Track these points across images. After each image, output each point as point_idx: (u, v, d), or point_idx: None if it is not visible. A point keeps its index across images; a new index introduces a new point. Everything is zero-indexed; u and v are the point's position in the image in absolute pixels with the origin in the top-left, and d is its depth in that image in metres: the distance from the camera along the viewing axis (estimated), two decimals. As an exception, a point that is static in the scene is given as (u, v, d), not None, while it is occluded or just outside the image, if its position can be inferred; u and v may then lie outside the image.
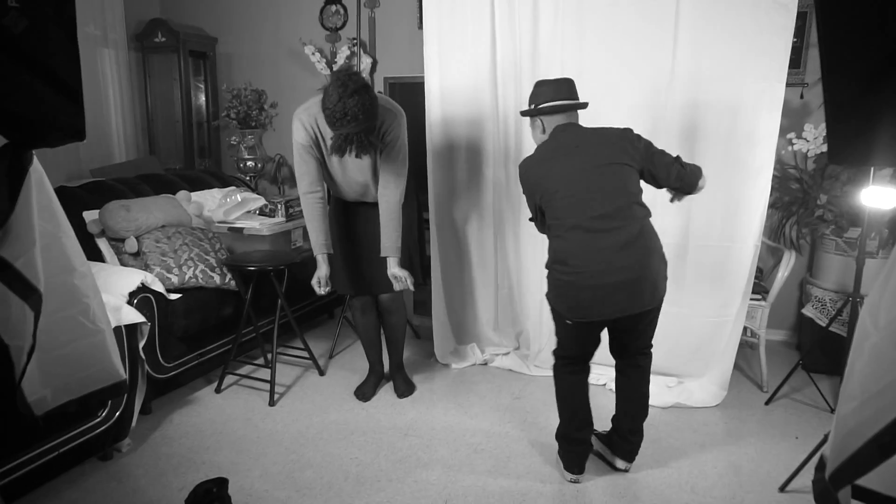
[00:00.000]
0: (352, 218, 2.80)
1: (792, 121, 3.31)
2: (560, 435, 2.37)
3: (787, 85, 2.66)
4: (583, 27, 2.82)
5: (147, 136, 4.76)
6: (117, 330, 2.32)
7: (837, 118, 1.11)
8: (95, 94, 4.39)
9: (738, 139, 2.73)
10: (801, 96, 3.36)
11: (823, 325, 3.07)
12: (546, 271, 2.21)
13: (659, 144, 2.81)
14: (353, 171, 2.62)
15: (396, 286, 2.66)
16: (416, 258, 2.92)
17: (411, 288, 2.67)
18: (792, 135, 3.12)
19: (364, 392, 2.95)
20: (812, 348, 3.05)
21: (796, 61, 3.25)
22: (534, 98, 2.25)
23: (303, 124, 2.54)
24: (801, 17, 3.19)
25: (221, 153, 4.88)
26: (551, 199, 2.13)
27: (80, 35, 4.48)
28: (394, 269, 2.63)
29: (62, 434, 2.16)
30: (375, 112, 2.34)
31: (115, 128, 4.52)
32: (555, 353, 2.34)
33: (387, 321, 2.93)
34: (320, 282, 2.66)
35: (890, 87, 0.99)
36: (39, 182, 1.54)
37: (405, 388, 2.99)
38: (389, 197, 2.60)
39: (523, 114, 2.32)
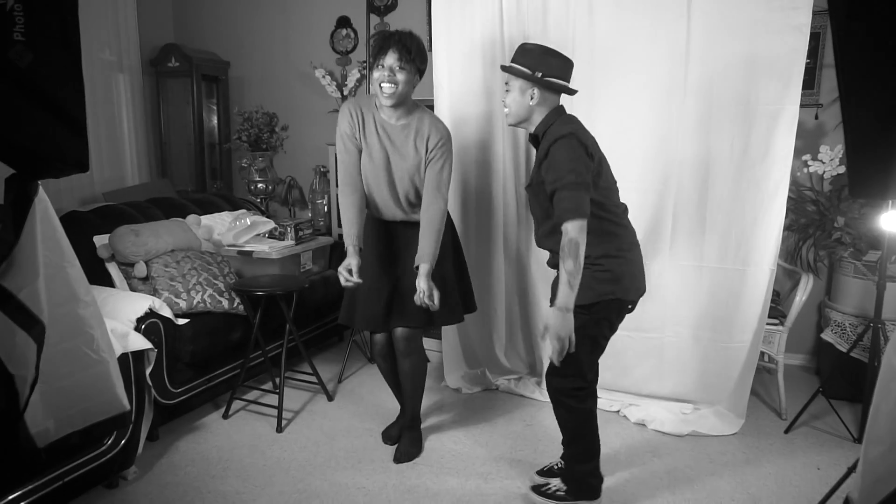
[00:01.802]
0: (383, 240, 2.57)
1: (807, 142, 3.26)
2: (588, 472, 2.21)
3: (802, 106, 2.61)
4: (592, 56, 2.79)
5: (160, 160, 4.81)
6: (124, 357, 2.31)
7: (858, 152, 1.07)
8: (110, 118, 4.44)
9: (752, 161, 2.69)
10: (816, 117, 3.31)
11: (844, 350, 2.99)
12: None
13: (671, 167, 2.80)
14: (387, 170, 2.45)
15: (417, 299, 2.34)
16: (452, 288, 2.58)
17: (434, 306, 2.34)
18: (807, 156, 3.07)
19: (391, 434, 2.75)
20: (832, 374, 2.97)
21: (810, 82, 3.21)
22: (540, 65, 2.01)
23: (349, 110, 2.44)
24: (815, 38, 3.15)
25: (233, 176, 4.91)
26: (600, 177, 2.01)
27: (95, 61, 4.56)
28: (421, 279, 2.33)
29: (67, 463, 2.13)
30: (424, 52, 2.37)
31: (129, 152, 4.57)
32: (576, 390, 2.11)
33: (400, 366, 2.58)
34: (351, 272, 2.33)
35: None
36: (45, 212, 1.53)
37: (406, 451, 2.62)
38: (433, 210, 2.41)
39: (514, 72, 2.02)
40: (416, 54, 2.32)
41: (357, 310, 2.57)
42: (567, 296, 1.85)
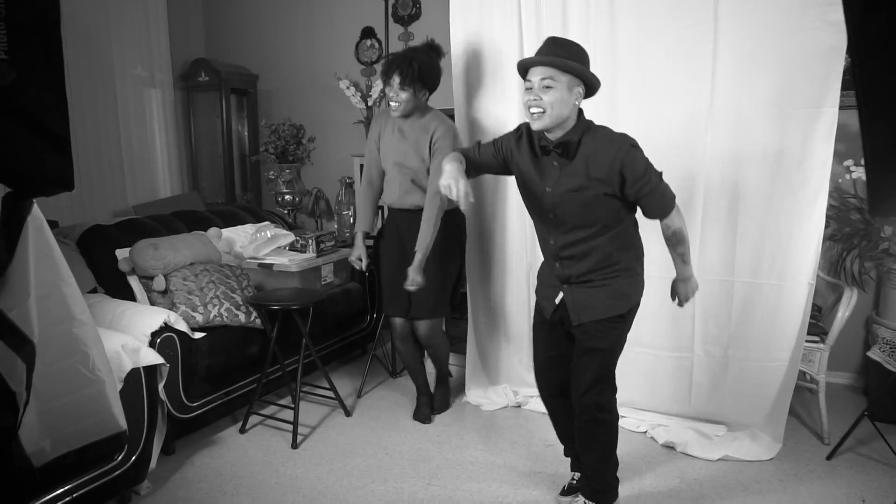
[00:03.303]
0: (404, 235, 2.89)
1: (850, 146, 3.06)
2: (614, 477, 2.19)
3: (842, 108, 2.44)
4: (615, 62, 2.68)
5: (191, 173, 4.89)
6: (135, 372, 2.31)
7: (878, 164, 0.95)
8: (142, 133, 4.54)
9: (788, 168, 2.52)
10: (858, 109, 3.10)
11: (893, 369, 2.77)
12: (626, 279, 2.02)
13: (698, 177, 2.65)
14: (397, 154, 2.83)
15: (406, 284, 2.69)
16: (448, 289, 2.96)
17: (411, 288, 2.69)
18: (849, 161, 2.87)
19: (423, 414, 3.05)
20: (880, 396, 2.76)
21: (851, 83, 3.01)
22: (586, 62, 1.89)
23: (377, 121, 2.91)
24: (857, 35, 2.95)
25: (261, 187, 4.95)
26: None
27: (128, 76, 4.69)
28: (413, 267, 2.68)
29: (77, 478, 2.13)
30: (427, 72, 2.70)
31: (161, 165, 4.67)
32: (612, 398, 2.10)
33: (428, 353, 3.10)
34: (360, 259, 2.96)
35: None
36: (39, 230, 1.52)
37: (441, 404, 3.13)
38: (433, 198, 2.73)
39: (567, 68, 1.82)
40: (415, 77, 2.66)
41: (384, 297, 2.98)
42: (686, 269, 2.07)
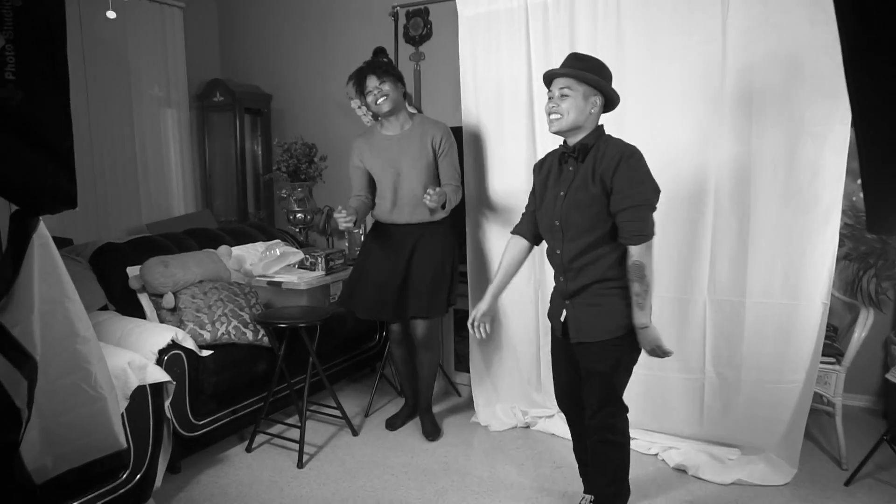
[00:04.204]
0: (399, 239, 2.90)
1: (865, 163, 3.01)
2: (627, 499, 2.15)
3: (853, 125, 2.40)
4: (623, 81, 2.68)
5: (205, 191, 4.95)
6: (141, 389, 2.32)
7: (874, 180, 0.93)
8: (157, 152, 4.62)
9: (799, 185, 2.48)
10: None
11: (912, 392, 2.70)
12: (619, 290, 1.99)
13: (708, 195, 2.62)
14: (396, 168, 2.85)
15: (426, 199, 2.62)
16: (445, 289, 2.93)
17: (429, 203, 2.62)
18: (864, 179, 2.82)
19: (393, 423, 3.13)
20: (900, 420, 2.68)
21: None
22: (605, 76, 2.02)
23: (356, 146, 2.95)
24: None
25: (274, 206, 4.99)
26: None
27: (145, 97, 4.79)
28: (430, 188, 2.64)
29: (78, 497, 2.13)
30: (397, 74, 2.83)
31: (176, 183, 4.73)
32: (623, 421, 2.07)
33: (420, 357, 3.01)
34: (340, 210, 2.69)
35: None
36: (44, 247, 1.54)
37: (432, 431, 3.04)
38: (450, 188, 2.81)
39: (586, 79, 1.97)
40: (387, 69, 2.78)
41: (354, 296, 2.97)
42: (639, 315, 1.93)
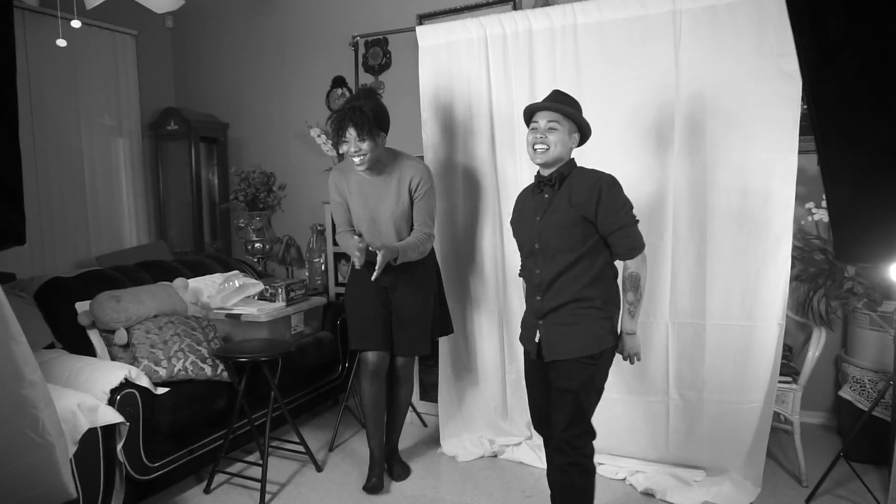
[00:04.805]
0: (382, 279, 2.64)
1: (811, 189, 3.14)
2: None
3: (801, 153, 2.51)
4: (582, 103, 2.74)
5: (159, 222, 4.81)
6: (92, 432, 2.20)
7: (841, 214, 0.96)
8: (108, 181, 4.48)
9: (752, 211, 2.57)
10: (818, 163, 3.20)
11: (864, 408, 2.79)
12: (602, 319, 2.07)
13: (666, 222, 2.68)
14: (372, 212, 2.71)
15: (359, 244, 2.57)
16: (429, 325, 2.81)
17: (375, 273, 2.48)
18: (811, 204, 2.94)
19: (374, 485, 2.78)
20: (854, 436, 2.75)
21: (809, 128, 3.11)
22: (581, 113, 2.17)
23: (334, 182, 2.79)
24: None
25: (231, 236, 4.88)
26: None
27: (95, 125, 4.67)
28: (380, 252, 2.47)
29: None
30: (380, 119, 2.57)
31: (127, 214, 4.59)
32: (590, 445, 2.08)
33: (395, 393, 2.89)
34: (358, 252, 2.57)
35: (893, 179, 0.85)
36: (-12, 287, 1.46)
37: (402, 472, 2.94)
38: (419, 233, 2.69)
39: (572, 116, 2.12)
40: (371, 124, 2.52)
41: (357, 333, 2.79)
42: (629, 322, 2.10)
